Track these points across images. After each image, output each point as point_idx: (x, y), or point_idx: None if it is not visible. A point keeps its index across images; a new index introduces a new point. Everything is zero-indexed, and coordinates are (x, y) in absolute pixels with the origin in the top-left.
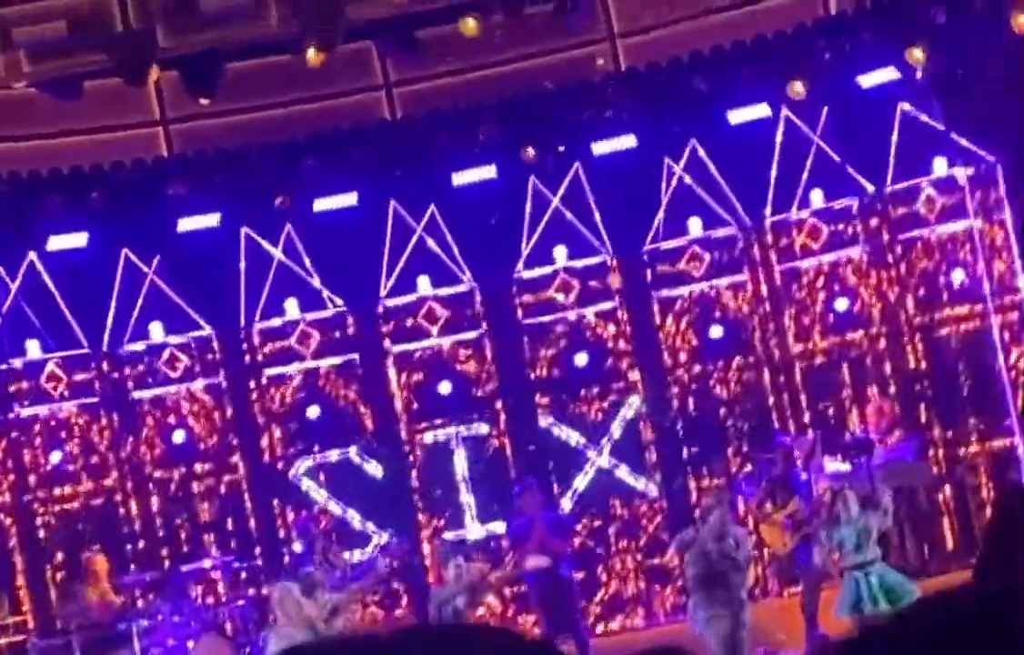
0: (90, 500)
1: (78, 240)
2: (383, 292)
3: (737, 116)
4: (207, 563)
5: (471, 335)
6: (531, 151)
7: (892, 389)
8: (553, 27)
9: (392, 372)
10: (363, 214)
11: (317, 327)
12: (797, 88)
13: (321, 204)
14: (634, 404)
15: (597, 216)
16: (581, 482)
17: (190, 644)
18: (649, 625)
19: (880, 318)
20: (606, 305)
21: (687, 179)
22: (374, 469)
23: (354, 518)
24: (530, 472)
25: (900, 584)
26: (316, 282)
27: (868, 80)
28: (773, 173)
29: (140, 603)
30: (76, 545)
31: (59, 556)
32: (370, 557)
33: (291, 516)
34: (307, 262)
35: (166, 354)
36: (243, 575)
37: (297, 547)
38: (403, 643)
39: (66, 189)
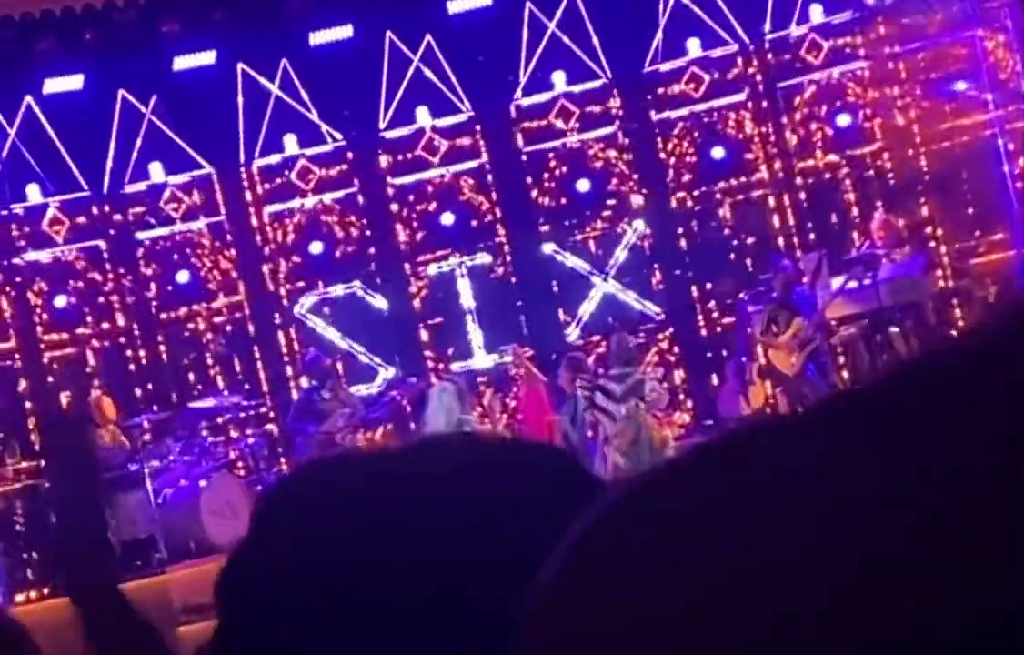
0: (96, 343)
1: (74, 82)
2: (382, 124)
3: None
4: (215, 402)
5: (472, 165)
6: None
7: (897, 204)
8: None
9: (394, 204)
10: (359, 46)
11: (317, 162)
12: None
13: (317, 37)
14: (638, 228)
15: (595, 40)
16: (587, 308)
17: (202, 483)
18: None
19: (883, 132)
20: (607, 130)
21: None
22: (378, 302)
23: (360, 352)
24: (536, 299)
25: None
26: (314, 117)
27: None
28: None
29: (151, 444)
30: (84, 389)
31: (67, 401)
32: (384, 390)
33: (297, 352)
34: (305, 96)
35: (167, 194)
36: (251, 413)
37: (304, 382)
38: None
39: (59, 31)
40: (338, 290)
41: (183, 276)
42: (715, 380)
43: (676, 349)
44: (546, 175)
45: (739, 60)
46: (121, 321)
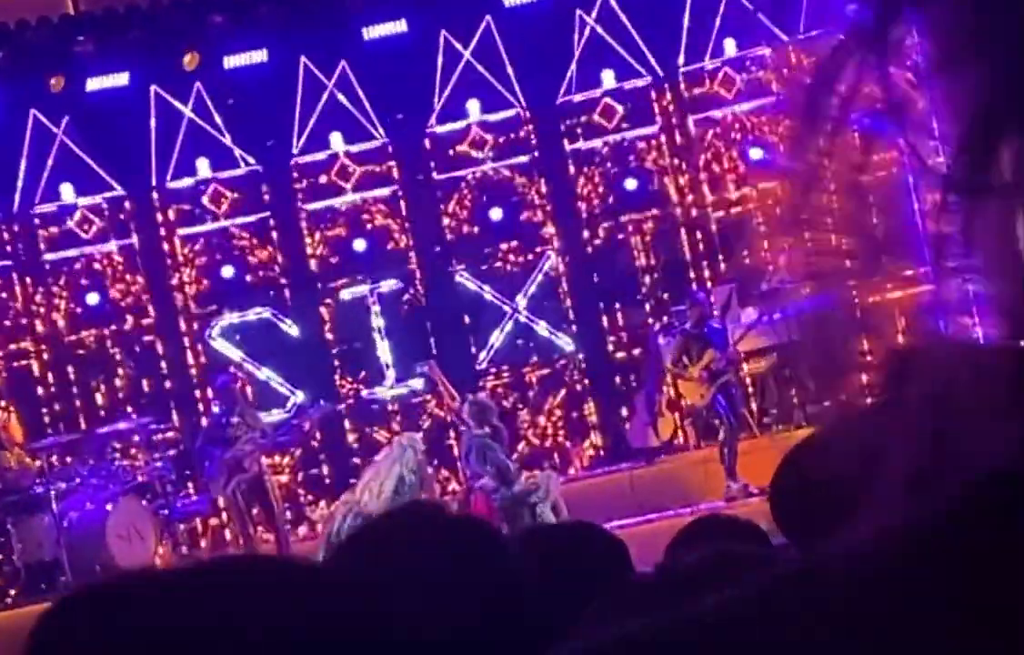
0: (5, 364)
1: None
2: (295, 149)
3: None
4: (124, 425)
5: (385, 191)
6: None
7: (807, 237)
8: None
9: (306, 229)
10: (273, 71)
11: (229, 186)
12: None
13: (231, 61)
14: (550, 258)
15: (509, 69)
16: (498, 337)
17: (108, 507)
18: (566, 480)
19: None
20: (520, 159)
21: (599, 30)
22: (289, 327)
23: (270, 378)
24: (447, 327)
25: None
26: (227, 140)
27: None
28: (685, 22)
29: (57, 467)
30: None
31: None
32: (293, 414)
33: (207, 376)
34: (218, 120)
35: (78, 215)
36: (160, 436)
37: (215, 408)
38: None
39: None
40: (249, 314)
41: (93, 298)
42: (625, 411)
43: (586, 379)
44: (459, 203)
45: (653, 92)
46: (29, 342)
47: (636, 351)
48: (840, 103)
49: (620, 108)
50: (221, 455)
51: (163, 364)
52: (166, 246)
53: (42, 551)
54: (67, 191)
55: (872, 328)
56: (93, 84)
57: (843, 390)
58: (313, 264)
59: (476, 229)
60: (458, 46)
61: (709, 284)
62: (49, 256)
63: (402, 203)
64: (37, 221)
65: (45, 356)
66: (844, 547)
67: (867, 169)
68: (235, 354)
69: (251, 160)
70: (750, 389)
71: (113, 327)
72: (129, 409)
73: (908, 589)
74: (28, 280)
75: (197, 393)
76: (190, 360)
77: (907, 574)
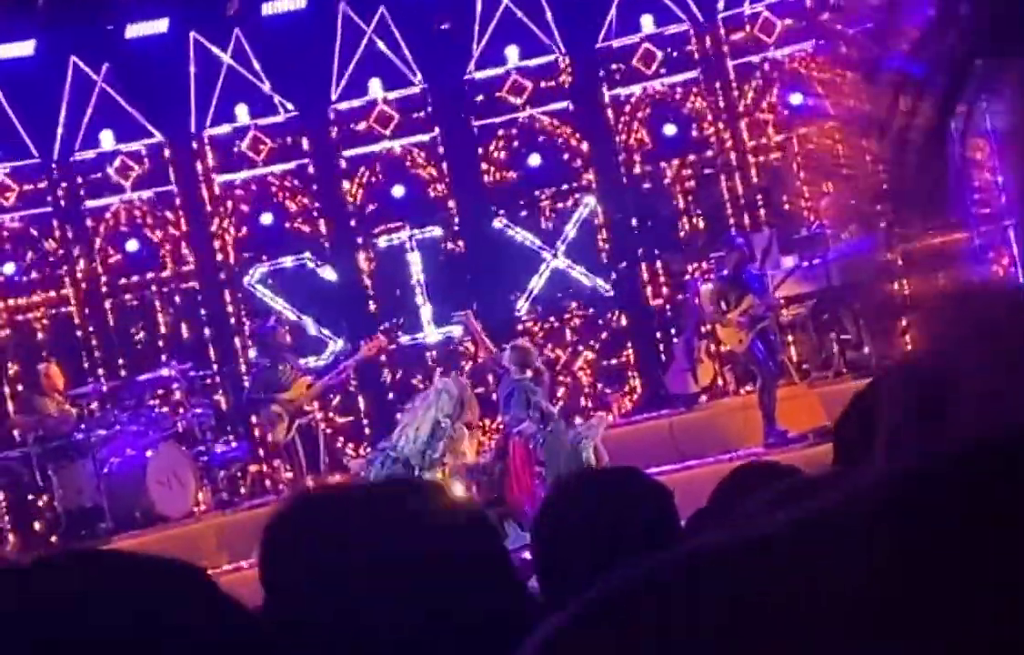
0: (45, 311)
1: (25, 48)
2: (334, 96)
3: None
4: (164, 372)
5: (423, 137)
6: None
7: (847, 183)
8: None
9: (345, 176)
10: (312, 17)
11: (268, 133)
12: None
13: (269, 8)
14: (589, 204)
15: (548, 15)
16: (536, 283)
17: (148, 453)
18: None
19: (834, 112)
20: (559, 105)
21: None
22: (328, 274)
23: (309, 324)
24: (486, 273)
25: None
26: (266, 87)
27: None
28: None
29: (98, 414)
30: (32, 357)
31: (15, 368)
32: (341, 354)
33: (246, 323)
34: (257, 67)
35: (117, 162)
36: (199, 383)
37: (253, 354)
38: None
39: None
40: (288, 261)
41: (132, 245)
42: (664, 357)
43: (625, 325)
44: (498, 149)
45: (692, 37)
46: (70, 289)
47: (675, 297)
48: (888, 52)
49: (659, 53)
50: (277, 402)
51: (202, 311)
52: (205, 193)
53: (83, 497)
54: (107, 138)
55: (914, 273)
56: (132, 30)
57: (889, 334)
58: (351, 211)
59: (515, 175)
60: None
61: (749, 230)
62: (89, 203)
63: (441, 149)
64: (77, 168)
65: (85, 303)
66: (846, 492)
67: (910, 116)
68: (274, 301)
69: (290, 107)
70: (789, 335)
71: (152, 274)
72: (168, 356)
73: (904, 532)
74: (68, 227)
75: (236, 340)
76: (229, 307)
77: (903, 517)
